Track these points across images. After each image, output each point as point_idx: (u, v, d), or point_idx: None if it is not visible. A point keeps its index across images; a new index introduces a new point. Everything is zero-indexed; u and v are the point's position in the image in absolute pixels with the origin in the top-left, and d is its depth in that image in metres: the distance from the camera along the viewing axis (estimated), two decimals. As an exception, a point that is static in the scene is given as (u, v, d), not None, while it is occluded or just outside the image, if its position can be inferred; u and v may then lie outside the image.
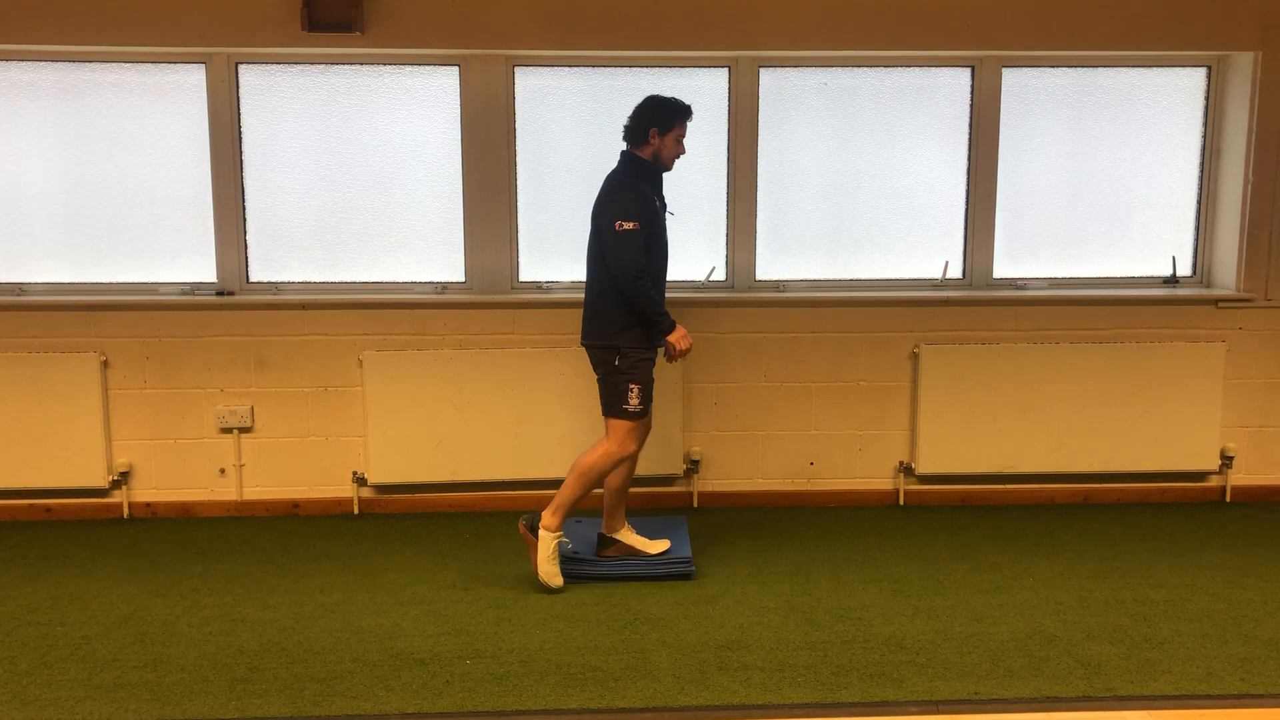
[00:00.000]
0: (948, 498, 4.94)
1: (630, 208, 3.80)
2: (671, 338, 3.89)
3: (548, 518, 3.91)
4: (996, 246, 4.94)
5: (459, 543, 4.44)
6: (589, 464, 3.92)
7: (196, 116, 4.71)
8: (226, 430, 4.78)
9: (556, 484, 4.75)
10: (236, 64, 4.68)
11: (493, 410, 4.76)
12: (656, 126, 3.90)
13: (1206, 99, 4.93)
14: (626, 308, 3.85)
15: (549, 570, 3.90)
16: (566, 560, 4.07)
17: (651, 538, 4.21)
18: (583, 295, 4.77)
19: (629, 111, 4.79)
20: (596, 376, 4.00)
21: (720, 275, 4.91)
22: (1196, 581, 4.01)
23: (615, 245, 3.78)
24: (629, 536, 4.11)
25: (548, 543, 3.90)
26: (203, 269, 4.81)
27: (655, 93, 4.03)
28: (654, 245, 3.91)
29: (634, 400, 3.88)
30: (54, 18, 4.45)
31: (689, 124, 3.98)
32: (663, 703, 3.13)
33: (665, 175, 4.03)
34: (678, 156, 3.99)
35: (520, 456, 4.78)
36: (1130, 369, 4.82)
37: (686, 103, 3.97)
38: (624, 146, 3.98)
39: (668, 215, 4.06)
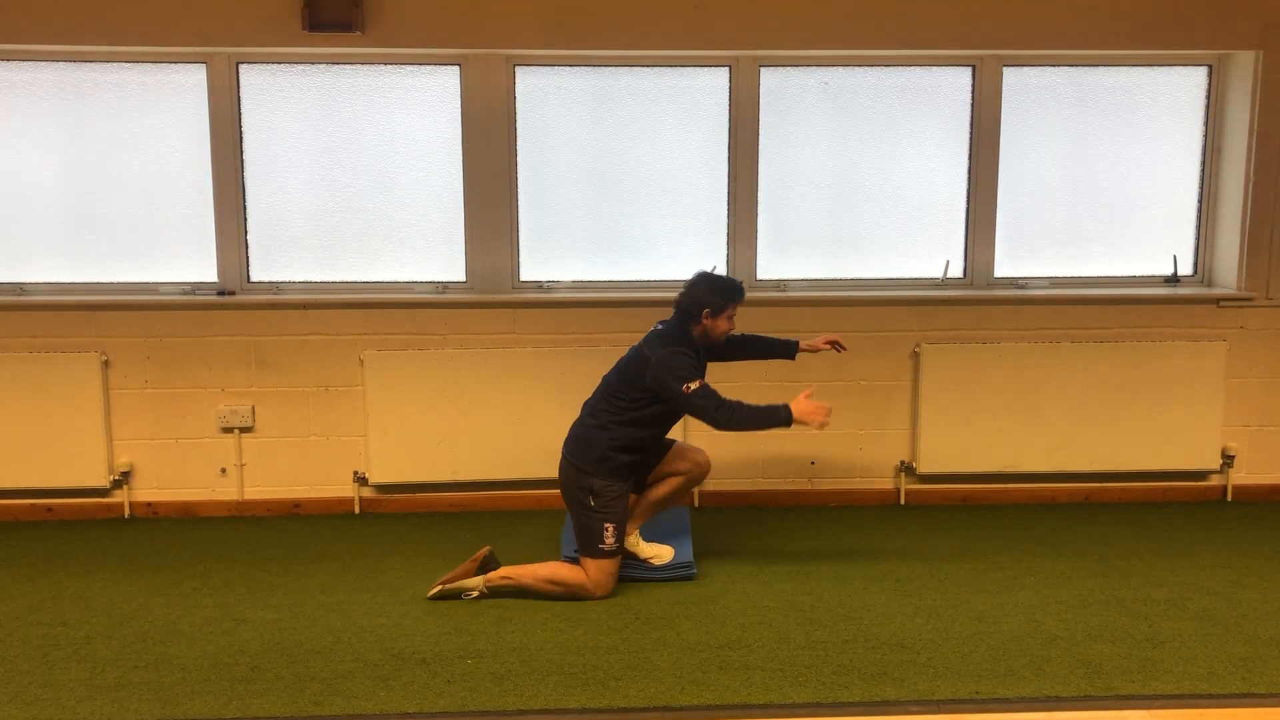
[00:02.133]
0: (949, 497, 4.94)
1: (688, 369, 3.77)
2: (798, 416, 3.76)
3: (497, 577, 3.82)
4: (997, 246, 4.94)
5: (460, 542, 4.44)
6: (562, 577, 3.84)
7: (197, 116, 4.71)
8: (227, 430, 4.78)
9: (557, 483, 4.76)
10: (237, 64, 4.68)
11: (494, 410, 4.75)
12: (710, 308, 3.86)
13: (1207, 98, 4.93)
14: (618, 442, 3.82)
15: (442, 594, 3.83)
16: (569, 561, 4.07)
17: (655, 535, 4.20)
18: (583, 295, 4.81)
19: (633, 112, 4.81)
20: (565, 502, 3.93)
21: (707, 271, 4.90)
22: (1197, 581, 4.01)
23: (697, 407, 3.75)
24: (635, 544, 4.09)
25: (473, 588, 3.83)
26: (203, 269, 4.81)
27: (704, 270, 3.97)
28: (667, 411, 3.87)
29: (609, 540, 3.83)
30: (55, 18, 4.45)
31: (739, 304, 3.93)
32: (664, 702, 3.13)
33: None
34: (728, 332, 3.95)
35: (521, 456, 4.78)
36: (1131, 368, 4.82)
37: (739, 281, 3.94)
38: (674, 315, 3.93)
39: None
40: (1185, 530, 4.57)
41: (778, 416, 3.78)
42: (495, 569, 3.86)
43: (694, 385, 3.76)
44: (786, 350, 4.19)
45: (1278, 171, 4.80)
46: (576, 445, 3.91)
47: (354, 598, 3.89)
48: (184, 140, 4.73)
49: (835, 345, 4.16)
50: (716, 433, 4.83)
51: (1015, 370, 4.82)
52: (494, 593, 3.86)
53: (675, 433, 4.76)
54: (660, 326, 3.96)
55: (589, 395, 4.02)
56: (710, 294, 3.88)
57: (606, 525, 3.83)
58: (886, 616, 3.70)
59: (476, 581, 3.84)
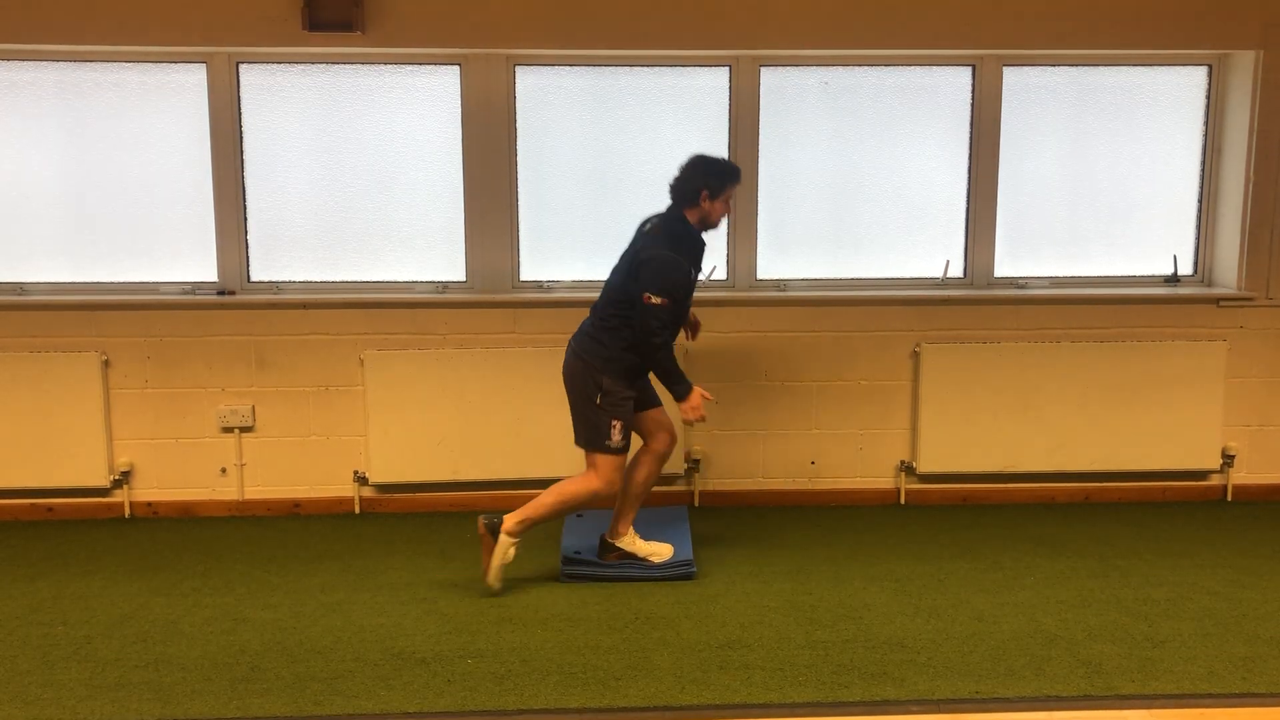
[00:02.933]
0: (949, 497, 4.94)
1: (666, 283, 3.75)
2: (685, 405, 3.86)
3: (511, 524, 3.85)
4: (997, 245, 4.94)
5: (460, 542, 4.44)
6: (571, 493, 3.87)
7: (197, 116, 4.71)
8: (228, 430, 4.78)
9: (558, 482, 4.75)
10: (237, 63, 4.68)
11: (494, 409, 4.76)
12: (708, 189, 3.83)
13: (1207, 98, 4.93)
14: (628, 343, 3.83)
15: (498, 575, 3.87)
16: (568, 561, 4.07)
17: (653, 534, 4.20)
18: (583, 295, 4.80)
19: (633, 112, 4.81)
20: (569, 396, 3.92)
21: (721, 274, 4.91)
22: (1197, 580, 4.01)
23: (645, 315, 3.76)
24: (632, 543, 4.09)
25: (505, 549, 3.85)
26: (204, 268, 4.81)
27: (702, 152, 3.95)
28: (681, 310, 3.88)
29: (616, 437, 3.84)
30: (55, 18, 4.45)
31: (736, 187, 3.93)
32: (664, 702, 3.13)
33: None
34: (725, 216, 3.94)
35: (521, 455, 4.78)
36: (1131, 368, 4.82)
37: (736, 164, 3.94)
38: (669, 201, 3.92)
39: (699, 276, 4.02)
40: (1185, 530, 4.57)
41: (679, 387, 3.86)
42: (501, 523, 3.86)
43: (656, 300, 3.74)
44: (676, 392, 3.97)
45: (1278, 171, 4.80)
46: (586, 342, 3.89)
47: (354, 598, 3.89)
48: (184, 140, 4.73)
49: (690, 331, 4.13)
50: (720, 429, 4.86)
51: (1015, 370, 4.82)
52: (525, 535, 3.90)
53: (673, 412, 4.77)
54: (658, 219, 3.92)
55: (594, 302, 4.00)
56: (708, 175, 3.84)
57: (614, 422, 3.83)
58: (886, 616, 3.70)
59: (505, 542, 3.84)
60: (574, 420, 3.93)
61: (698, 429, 4.82)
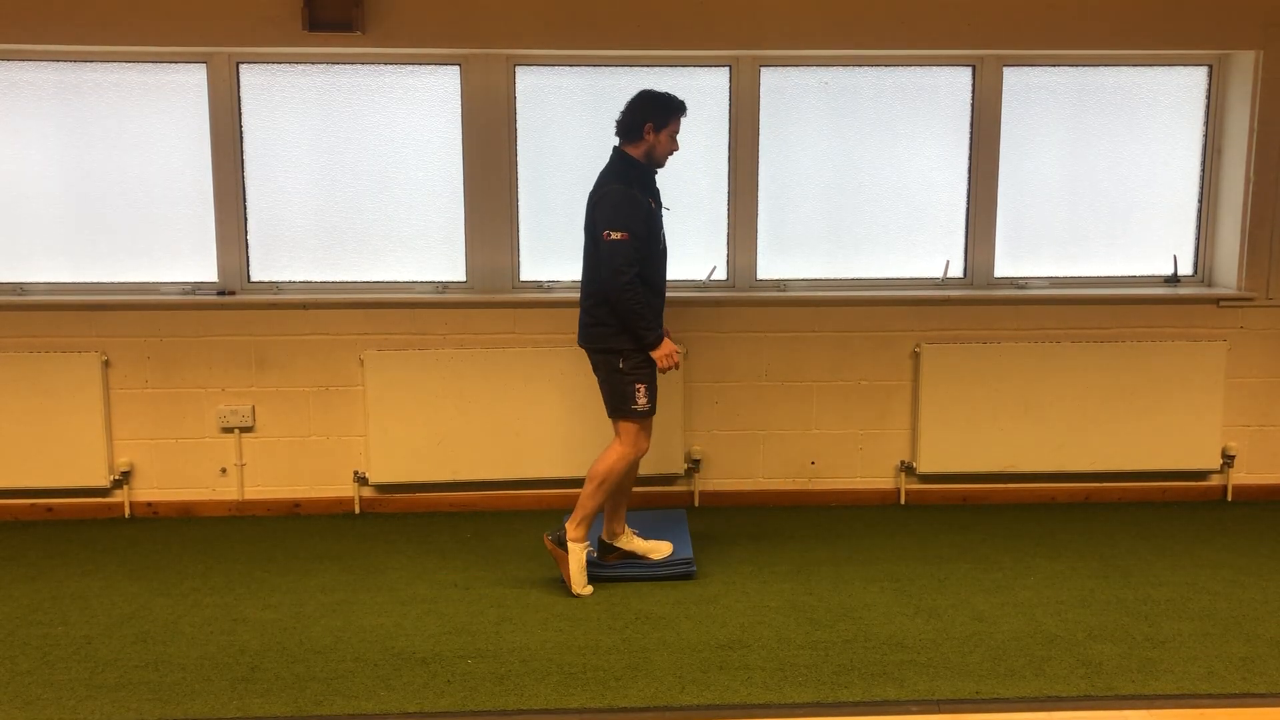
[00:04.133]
0: (949, 497, 4.94)
1: (620, 216, 3.72)
2: (656, 354, 3.80)
3: (573, 529, 3.86)
4: (997, 245, 4.94)
5: (460, 542, 4.44)
6: (606, 469, 3.86)
7: (197, 116, 4.71)
8: (227, 430, 4.78)
9: (558, 483, 4.76)
10: (237, 63, 4.68)
11: (494, 410, 4.76)
12: (652, 122, 3.81)
13: (1208, 98, 4.93)
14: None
15: (581, 580, 3.88)
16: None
17: (651, 535, 4.21)
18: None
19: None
20: (597, 378, 3.95)
21: (721, 274, 4.91)
22: (1198, 580, 4.01)
23: (606, 254, 3.72)
24: (630, 542, 4.09)
25: (578, 554, 3.86)
26: (204, 268, 4.81)
27: (645, 88, 3.92)
28: (651, 249, 3.84)
29: (642, 400, 3.83)
30: (55, 18, 4.45)
31: (683, 120, 3.89)
32: (664, 702, 3.13)
33: (660, 173, 3.95)
34: (671, 153, 3.90)
35: (521, 456, 4.78)
36: (1131, 368, 4.82)
37: (681, 98, 3.89)
38: (616, 142, 3.90)
39: (664, 212, 3.99)
40: (1185, 530, 4.57)
41: (648, 334, 3.77)
42: (563, 534, 3.86)
43: (616, 235, 3.69)
44: (645, 340, 3.86)
45: (1278, 171, 4.80)
46: (593, 332, 3.87)
47: (354, 598, 3.89)
48: (184, 140, 4.73)
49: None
50: (720, 428, 4.86)
51: (1015, 370, 4.82)
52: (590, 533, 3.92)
53: (675, 409, 4.77)
54: (603, 170, 3.89)
55: (590, 394, 4.00)
56: (652, 107, 3.81)
57: (639, 386, 3.82)
58: (887, 616, 3.69)
59: (575, 550, 3.85)
60: (603, 394, 3.93)
61: (697, 429, 4.82)
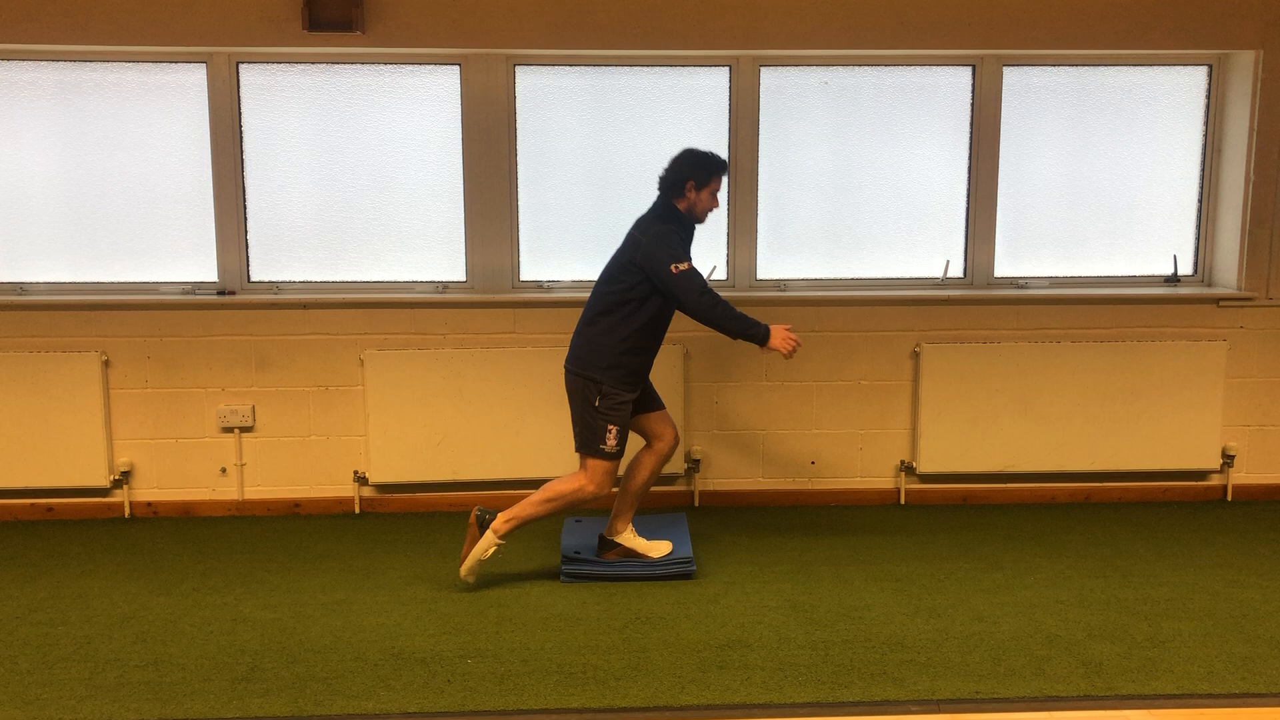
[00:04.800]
0: (949, 497, 4.94)
1: (678, 248, 3.80)
2: (773, 342, 3.83)
3: (501, 524, 3.86)
4: (997, 245, 4.94)
5: (460, 542, 4.44)
6: (561, 493, 3.88)
7: (197, 116, 4.71)
8: (228, 429, 4.78)
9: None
10: (237, 63, 4.68)
11: (494, 409, 4.76)
12: (694, 180, 3.87)
13: (1208, 97, 4.93)
14: (625, 343, 3.82)
15: (474, 569, 3.87)
16: (568, 560, 4.07)
17: (652, 537, 4.21)
18: (583, 295, 4.78)
19: (633, 112, 4.81)
20: (571, 408, 3.94)
21: (721, 274, 4.91)
22: (1198, 580, 4.01)
23: (681, 287, 3.77)
24: (630, 540, 4.09)
25: (487, 546, 3.86)
26: (204, 268, 4.82)
27: (691, 146, 3.98)
28: (666, 300, 3.89)
29: (611, 441, 3.85)
30: (54, 18, 4.45)
31: (720, 176, 3.94)
32: (664, 702, 3.13)
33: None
34: (712, 210, 3.96)
35: (521, 455, 4.78)
36: (1131, 368, 4.82)
37: (723, 157, 3.95)
38: (658, 193, 3.95)
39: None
40: (1185, 530, 4.57)
41: (755, 331, 3.80)
42: (491, 518, 3.87)
43: (682, 266, 3.77)
44: (757, 336, 3.87)
45: (1278, 171, 4.80)
46: (582, 354, 3.88)
47: (354, 598, 3.89)
48: (184, 140, 4.73)
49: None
50: (720, 428, 4.86)
51: (1015, 370, 4.82)
52: (511, 537, 3.91)
53: (676, 410, 4.76)
54: (646, 212, 3.96)
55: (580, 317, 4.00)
56: (694, 166, 3.87)
57: (610, 427, 3.84)
58: (887, 616, 3.69)
59: (489, 540, 3.85)
60: (573, 423, 3.95)
61: (698, 429, 4.82)
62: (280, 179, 4.77)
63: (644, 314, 3.86)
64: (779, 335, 3.83)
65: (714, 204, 3.95)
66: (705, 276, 4.81)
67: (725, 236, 4.88)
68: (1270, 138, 4.77)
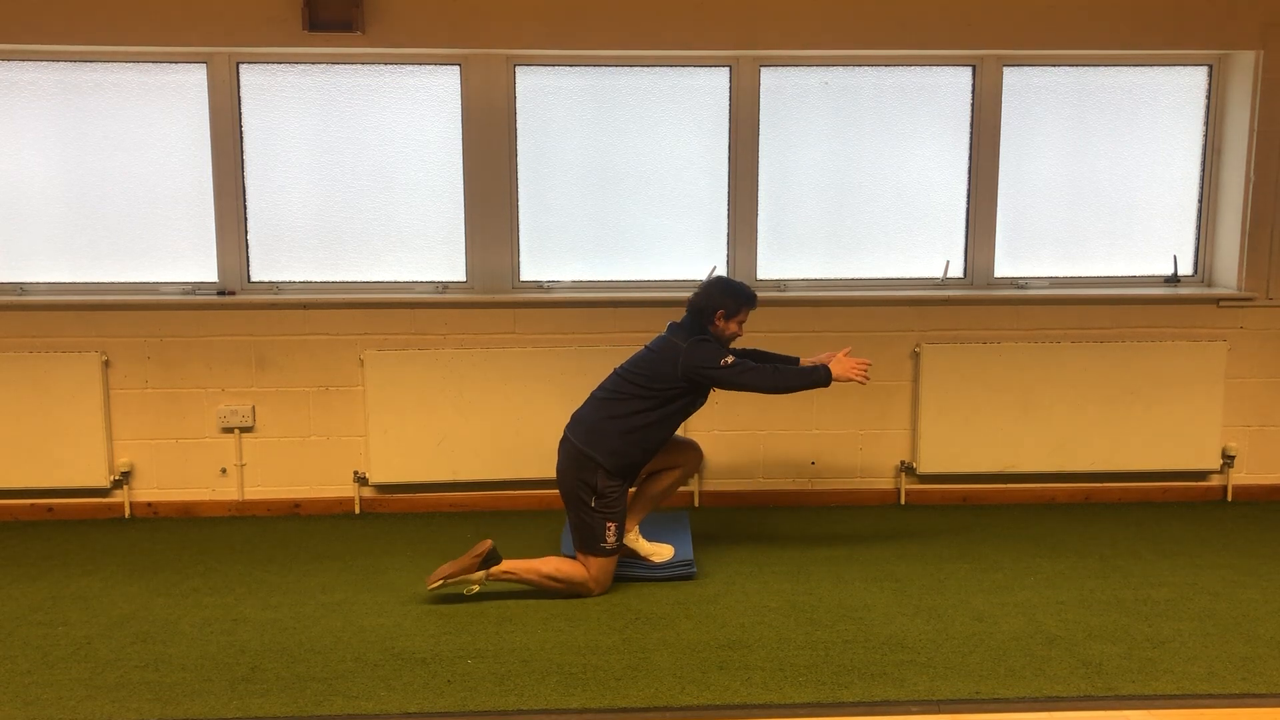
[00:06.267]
0: (949, 497, 4.94)
1: (714, 351, 3.85)
2: (838, 373, 3.89)
3: (500, 570, 3.81)
4: (997, 245, 4.94)
5: (460, 542, 4.44)
6: (564, 573, 3.84)
7: (197, 116, 4.71)
8: (228, 430, 4.78)
9: (555, 479, 4.75)
10: (237, 64, 4.68)
11: (494, 410, 4.76)
12: (724, 310, 3.91)
13: (1208, 98, 4.93)
14: (638, 439, 3.84)
15: (441, 588, 3.80)
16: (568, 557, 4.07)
17: (655, 537, 4.21)
18: (583, 295, 4.80)
19: (633, 112, 4.81)
20: (566, 507, 3.91)
21: (721, 274, 4.90)
22: (1198, 581, 4.01)
23: (736, 381, 3.84)
24: (635, 542, 4.09)
25: (475, 582, 3.81)
26: (204, 269, 4.82)
27: (722, 274, 4.06)
28: (694, 403, 3.93)
29: (610, 539, 3.84)
30: (55, 18, 4.45)
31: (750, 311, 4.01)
32: (664, 702, 3.13)
33: (660, 173, 3.99)
34: (735, 337, 4.00)
35: (521, 456, 4.78)
36: (1131, 368, 4.82)
37: (752, 291, 3.99)
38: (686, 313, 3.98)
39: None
40: (1185, 530, 4.57)
41: (818, 376, 3.91)
42: (497, 563, 3.84)
43: (730, 360, 3.85)
44: (822, 380, 4.01)
45: (1278, 171, 4.80)
46: (590, 435, 3.87)
47: (354, 598, 3.89)
48: (184, 140, 4.73)
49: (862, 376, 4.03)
50: (720, 428, 4.86)
51: (1015, 370, 4.82)
52: (493, 585, 3.86)
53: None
54: (677, 323, 4.00)
55: (589, 394, 4.01)
56: (724, 296, 3.92)
57: (608, 525, 3.83)
58: (887, 616, 3.69)
59: (478, 576, 3.82)
60: (570, 524, 3.94)
61: (697, 429, 4.82)
62: (280, 179, 4.77)
63: (667, 419, 3.89)
64: (841, 366, 3.92)
65: (739, 333, 4.00)
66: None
67: (725, 236, 4.88)
68: (1270, 138, 4.77)
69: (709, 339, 3.91)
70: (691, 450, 4.10)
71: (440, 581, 3.80)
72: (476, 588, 3.84)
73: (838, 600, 3.83)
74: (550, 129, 4.80)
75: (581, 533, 3.88)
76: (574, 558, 3.92)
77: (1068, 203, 4.96)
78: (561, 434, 3.97)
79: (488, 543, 3.84)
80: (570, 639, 3.53)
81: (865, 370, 3.93)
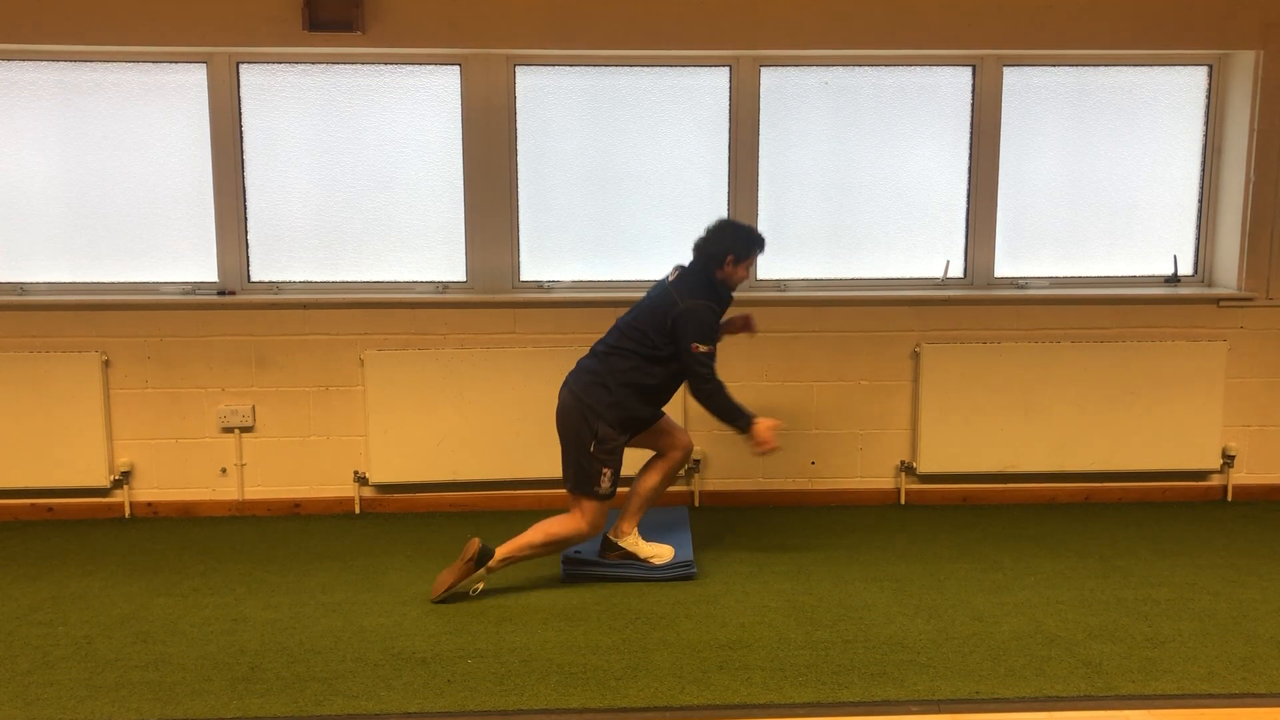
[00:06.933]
0: (949, 497, 4.94)
1: (705, 331, 3.83)
2: (756, 431, 3.87)
3: (495, 562, 3.83)
4: (998, 245, 4.94)
5: (460, 542, 4.43)
6: (556, 534, 3.87)
7: (197, 116, 4.71)
8: (228, 430, 4.78)
9: (557, 483, 4.75)
10: (237, 63, 4.68)
11: (494, 410, 4.76)
12: (734, 254, 3.89)
13: (1208, 98, 4.93)
14: (636, 391, 3.84)
15: (440, 593, 3.80)
16: (568, 561, 4.07)
17: (653, 536, 4.21)
18: (583, 295, 4.80)
19: (633, 112, 4.80)
20: (562, 444, 3.91)
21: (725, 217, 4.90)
22: (1198, 580, 4.01)
23: (694, 366, 3.83)
24: (635, 544, 4.09)
25: (477, 580, 3.82)
26: (204, 268, 4.82)
27: (729, 217, 4.01)
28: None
29: (605, 484, 3.85)
30: (55, 18, 4.45)
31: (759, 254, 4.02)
32: (664, 702, 3.13)
33: (660, 173, 3.98)
34: (742, 281, 3.99)
35: (521, 456, 4.78)
36: (1131, 368, 4.82)
37: (762, 234, 3.98)
38: (693, 254, 3.95)
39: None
40: (1185, 530, 4.57)
41: (741, 420, 3.89)
42: (490, 557, 3.84)
43: (703, 348, 3.82)
44: (740, 426, 3.99)
45: (1278, 172, 4.80)
46: (590, 386, 3.86)
47: (354, 598, 3.89)
48: (184, 140, 4.73)
49: (748, 327, 4.16)
50: (720, 429, 4.86)
51: (1015, 370, 4.82)
52: (497, 580, 3.90)
53: (676, 412, 4.77)
54: (684, 269, 3.98)
55: (594, 345, 4.01)
56: (735, 240, 3.90)
57: (604, 470, 3.84)
58: (887, 616, 3.69)
59: (478, 575, 3.83)
60: (564, 463, 3.94)
61: (698, 429, 4.82)
62: (280, 179, 4.77)
63: (665, 371, 3.88)
64: (762, 427, 3.89)
65: (747, 276, 3.99)
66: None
67: (725, 236, 4.88)
68: (1270, 138, 4.77)
69: (711, 306, 3.85)
70: (681, 439, 4.09)
71: (444, 591, 3.81)
72: (480, 586, 3.85)
73: (838, 600, 3.83)
74: (550, 129, 4.80)
75: (577, 475, 3.87)
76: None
77: (1068, 202, 4.96)
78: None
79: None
80: (570, 639, 3.53)
81: (770, 449, 3.88)
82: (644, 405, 3.91)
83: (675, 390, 3.99)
